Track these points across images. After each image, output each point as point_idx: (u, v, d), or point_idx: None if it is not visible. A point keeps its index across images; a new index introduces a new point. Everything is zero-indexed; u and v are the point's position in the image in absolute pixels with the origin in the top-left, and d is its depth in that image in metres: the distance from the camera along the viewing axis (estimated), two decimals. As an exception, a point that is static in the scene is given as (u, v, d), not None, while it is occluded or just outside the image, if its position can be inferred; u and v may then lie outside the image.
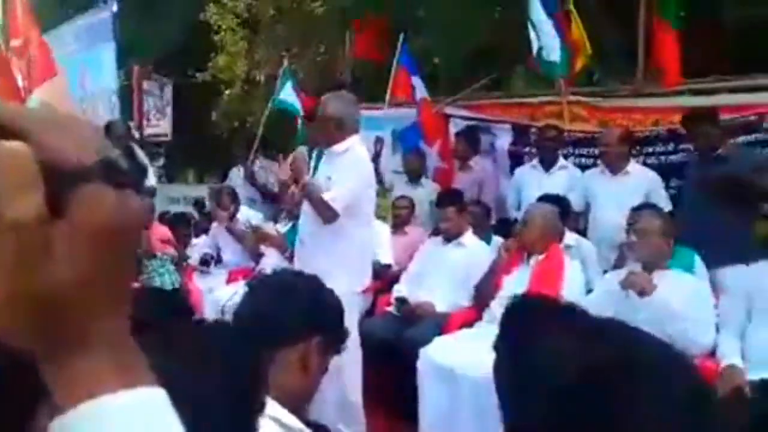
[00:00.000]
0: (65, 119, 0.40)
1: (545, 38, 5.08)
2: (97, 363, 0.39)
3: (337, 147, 3.42)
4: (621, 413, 0.67)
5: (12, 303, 0.38)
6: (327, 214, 3.31)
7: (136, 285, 0.44)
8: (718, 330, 3.02)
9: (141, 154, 5.77)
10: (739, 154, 4.03)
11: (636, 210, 3.87)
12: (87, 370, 0.39)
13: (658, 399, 0.68)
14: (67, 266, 0.38)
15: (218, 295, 4.53)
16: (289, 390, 1.30)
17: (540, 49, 5.07)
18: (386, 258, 4.41)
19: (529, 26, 5.08)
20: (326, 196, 3.28)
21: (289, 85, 6.65)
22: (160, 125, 10.01)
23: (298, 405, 1.34)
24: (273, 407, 1.25)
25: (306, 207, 3.50)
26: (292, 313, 1.33)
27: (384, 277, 4.32)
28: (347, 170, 3.35)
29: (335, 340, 1.41)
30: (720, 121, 4.06)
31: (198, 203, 7.72)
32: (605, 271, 3.95)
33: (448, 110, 6.01)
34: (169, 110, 10.05)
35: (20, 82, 7.44)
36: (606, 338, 0.76)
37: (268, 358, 1.31)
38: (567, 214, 4.09)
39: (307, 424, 1.36)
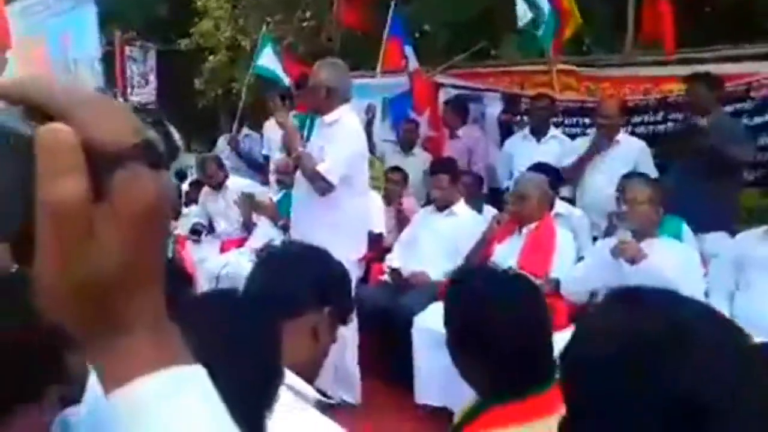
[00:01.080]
0: (102, 101, 0.40)
1: (534, 7, 5.06)
2: (137, 343, 0.40)
3: (328, 117, 3.41)
4: (672, 380, 0.69)
5: (57, 284, 0.38)
6: (322, 185, 3.32)
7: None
8: (706, 296, 3.10)
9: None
10: (720, 124, 4.07)
11: (625, 178, 3.93)
12: (128, 350, 0.40)
13: (710, 362, 0.70)
14: (110, 248, 0.38)
15: (211, 265, 4.54)
16: (301, 359, 1.33)
17: (531, 20, 5.05)
18: (379, 227, 4.43)
19: None
20: (320, 168, 3.28)
21: (268, 51, 6.50)
22: (144, 92, 9.84)
23: (309, 373, 1.37)
24: (287, 375, 1.28)
25: (300, 177, 3.50)
26: (304, 285, 1.36)
27: (377, 246, 4.35)
28: (340, 141, 3.35)
29: (344, 310, 1.44)
30: (720, 87, 4.08)
31: (178, 173, 7.61)
32: (595, 239, 4.02)
33: (439, 79, 5.98)
34: (152, 77, 9.87)
35: None
36: (650, 306, 0.78)
37: (282, 329, 1.34)
38: (557, 184, 4.13)
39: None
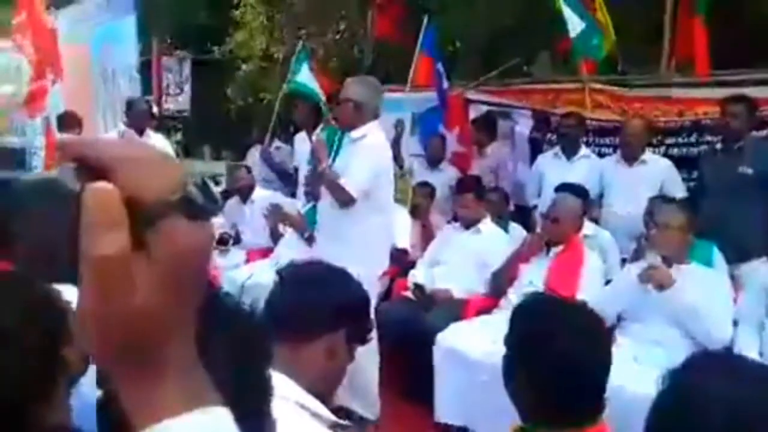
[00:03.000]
0: (150, 158, 0.43)
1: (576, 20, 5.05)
2: (168, 386, 0.42)
3: (355, 132, 3.44)
4: None
5: (99, 329, 0.41)
6: (343, 198, 3.34)
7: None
8: (735, 324, 3.02)
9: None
10: (760, 147, 3.98)
11: (656, 200, 3.86)
12: (159, 392, 0.42)
13: None
14: (146, 295, 0.41)
15: (237, 274, 4.58)
16: (317, 379, 1.34)
17: (582, 31, 5.03)
18: (403, 242, 4.42)
19: (563, 7, 5.02)
20: (341, 181, 3.32)
21: (305, 67, 6.56)
22: (178, 100, 10.05)
23: (325, 393, 1.37)
24: (302, 395, 1.28)
25: (324, 192, 3.53)
26: (323, 307, 1.36)
27: (401, 262, 4.34)
28: (362, 156, 3.37)
29: (362, 332, 1.44)
30: (756, 111, 4.00)
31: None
32: (623, 260, 3.95)
33: (469, 95, 5.97)
34: (187, 86, 10.09)
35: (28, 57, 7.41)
36: (749, 373, 0.88)
37: (296, 348, 1.35)
38: (587, 205, 4.08)
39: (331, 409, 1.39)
